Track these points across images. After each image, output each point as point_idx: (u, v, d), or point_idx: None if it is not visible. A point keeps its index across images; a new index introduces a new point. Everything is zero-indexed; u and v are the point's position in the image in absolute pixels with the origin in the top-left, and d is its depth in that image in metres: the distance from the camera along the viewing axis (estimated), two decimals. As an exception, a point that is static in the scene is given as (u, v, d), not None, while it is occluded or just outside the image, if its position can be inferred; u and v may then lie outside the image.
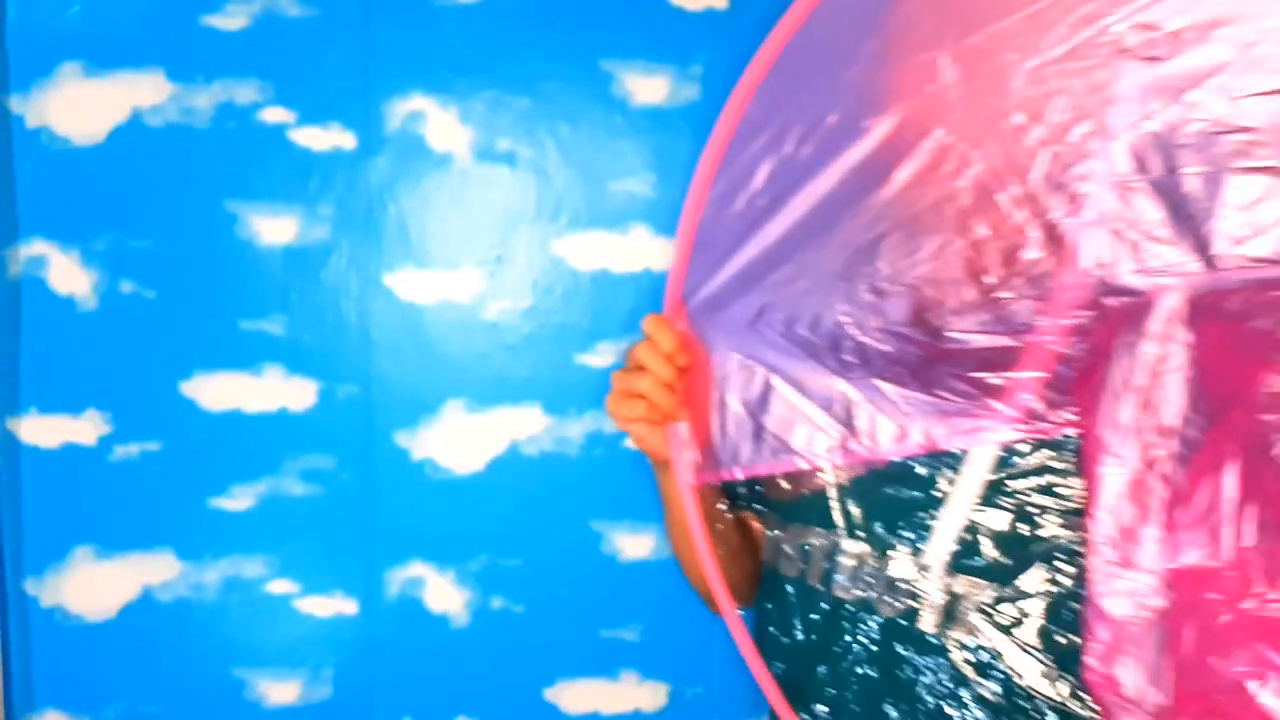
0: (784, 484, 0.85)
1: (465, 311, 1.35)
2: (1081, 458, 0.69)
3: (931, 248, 0.72)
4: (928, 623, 0.76)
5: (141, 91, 1.29)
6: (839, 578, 0.81)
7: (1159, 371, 0.63)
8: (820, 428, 0.79)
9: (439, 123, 1.32)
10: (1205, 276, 0.65)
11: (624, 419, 0.91)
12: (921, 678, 0.76)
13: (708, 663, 1.41)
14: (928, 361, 0.75)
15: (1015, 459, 0.73)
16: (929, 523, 0.77)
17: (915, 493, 0.77)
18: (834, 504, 0.80)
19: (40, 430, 1.32)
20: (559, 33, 1.31)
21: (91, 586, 1.34)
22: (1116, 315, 0.67)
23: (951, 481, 0.76)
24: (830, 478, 0.81)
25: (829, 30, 0.71)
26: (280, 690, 1.37)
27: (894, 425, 0.76)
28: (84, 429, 1.32)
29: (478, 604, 1.38)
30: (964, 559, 0.75)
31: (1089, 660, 0.65)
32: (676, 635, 1.40)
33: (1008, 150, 0.69)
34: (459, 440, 1.36)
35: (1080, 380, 0.69)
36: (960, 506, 0.75)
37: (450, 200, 1.33)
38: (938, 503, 0.77)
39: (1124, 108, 0.65)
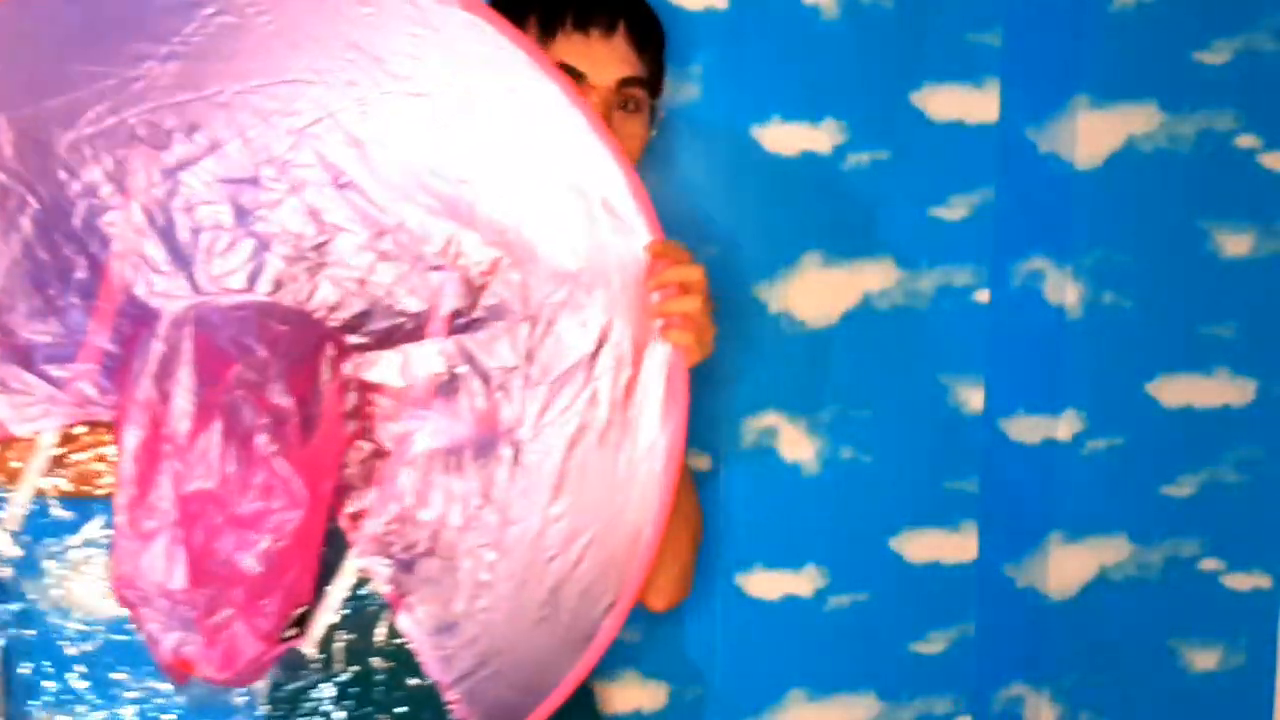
0: None
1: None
2: (116, 425, 0.91)
3: (3, 264, 0.91)
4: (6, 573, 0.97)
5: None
6: None
7: (166, 361, 0.88)
8: None
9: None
10: (195, 298, 0.92)
11: None
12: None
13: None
14: (3, 357, 0.92)
15: (78, 436, 0.95)
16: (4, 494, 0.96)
17: None
18: None
19: (41, 430, 1.33)
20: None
21: (94, 586, 1.34)
22: (141, 321, 0.91)
23: (22, 460, 0.95)
24: None
25: None
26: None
27: None
28: (84, 429, 1.33)
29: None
30: (38, 519, 0.96)
31: (113, 567, 0.88)
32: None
33: (56, 197, 0.90)
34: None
35: (120, 369, 0.91)
36: (31, 477, 0.95)
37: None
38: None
39: (137, 178, 0.90)
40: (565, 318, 0.95)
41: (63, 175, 0.90)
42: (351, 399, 0.95)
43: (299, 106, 0.90)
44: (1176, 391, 1.46)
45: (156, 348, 0.89)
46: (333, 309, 0.94)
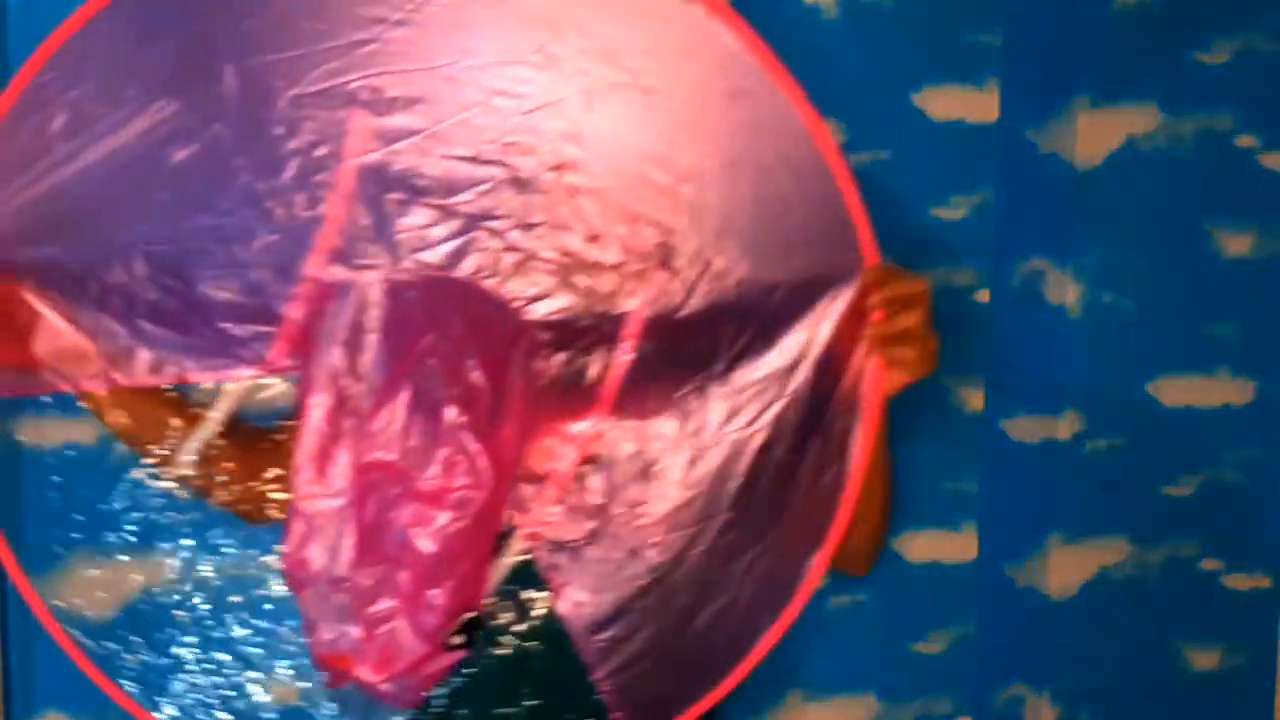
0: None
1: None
2: (297, 395, 0.89)
3: (207, 218, 0.90)
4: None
5: (142, 91, 1.30)
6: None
7: (355, 330, 0.87)
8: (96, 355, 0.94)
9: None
10: (392, 269, 0.90)
11: None
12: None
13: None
14: (186, 310, 0.91)
15: (260, 393, 0.96)
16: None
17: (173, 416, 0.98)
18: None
19: (40, 430, 1.32)
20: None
21: (92, 586, 1.34)
22: (330, 289, 0.90)
23: (205, 406, 0.97)
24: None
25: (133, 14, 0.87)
26: (278, 692, 1.37)
27: (150, 357, 0.93)
28: (84, 429, 1.32)
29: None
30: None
31: (285, 549, 0.86)
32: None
33: (268, 154, 0.89)
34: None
35: (303, 334, 0.90)
36: (211, 426, 0.97)
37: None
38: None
39: (353, 142, 0.88)
40: (769, 327, 0.93)
41: (279, 131, 0.88)
42: (540, 392, 0.93)
43: (525, 90, 0.88)
44: (1176, 391, 1.46)
45: (347, 315, 0.88)
46: (532, 300, 0.92)
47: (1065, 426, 1.45)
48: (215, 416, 0.97)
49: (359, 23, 0.86)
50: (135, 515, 1.34)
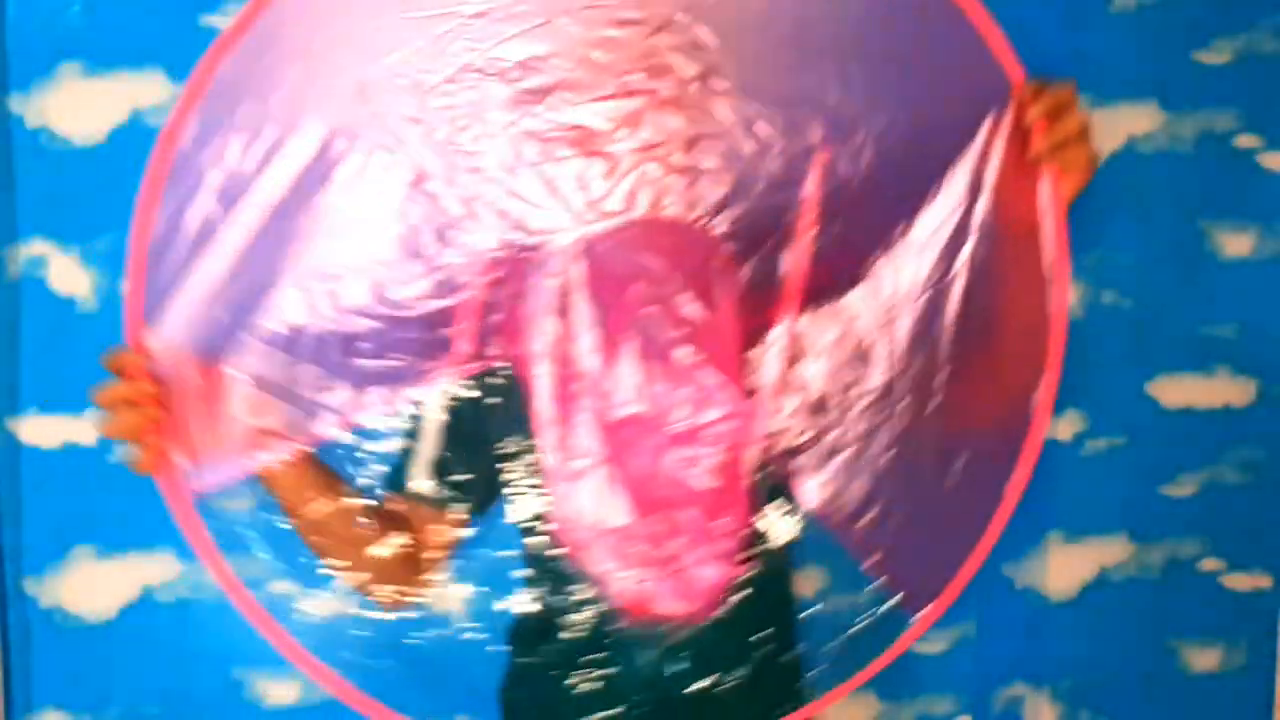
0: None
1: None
2: (516, 374, 0.89)
3: (384, 237, 0.89)
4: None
5: (141, 91, 1.29)
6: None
7: (563, 295, 0.87)
8: (307, 411, 0.92)
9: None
10: (577, 228, 0.89)
11: (120, 436, 0.91)
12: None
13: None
14: (380, 331, 0.90)
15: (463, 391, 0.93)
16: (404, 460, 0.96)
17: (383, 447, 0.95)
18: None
19: (40, 430, 1.32)
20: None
21: (91, 586, 1.35)
22: (521, 264, 0.89)
23: (416, 419, 0.94)
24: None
25: (253, 60, 0.86)
26: (280, 690, 1.37)
27: (352, 391, 0.91)
28: (84, 429, 1.32)
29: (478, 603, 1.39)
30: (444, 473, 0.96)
31: (556, 519, 0.88)
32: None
33: (419, 149, 0.87)
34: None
35: (506, 319, 0.89)
36: (430, 438, 0.95)
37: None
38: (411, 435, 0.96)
39: (494, 117, 0.87)
40: (938, 173, 0.94)
41: (426, 123, 0.87)
42: (746, 301, 0.92)
43: (639, 15, 0.88)
44: (1176, 391, 1.46)
45: (549, 284, 0.88)
46: (713, 214, 0.91)
47: (1065, 426, 1.45)
48: (431, 426, 0.96)
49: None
50: (135, 515, 1.35)
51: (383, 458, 0.96)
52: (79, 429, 1.32)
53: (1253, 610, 1.51)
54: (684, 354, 0.86)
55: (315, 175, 0.87)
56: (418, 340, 0.90)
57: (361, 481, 0.96)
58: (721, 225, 0.91)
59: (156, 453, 0.89)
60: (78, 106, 1.29)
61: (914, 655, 1.49)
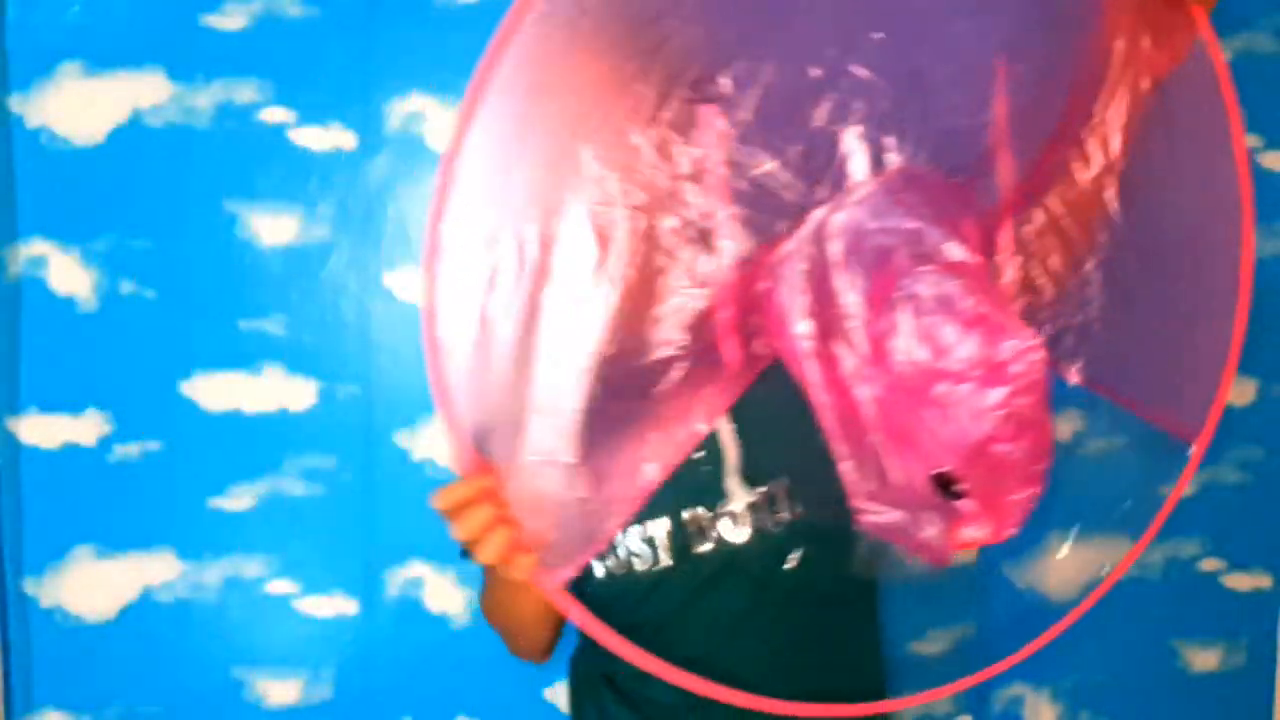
0: None
1: (465, 311, 1.35)
2: (790, 367, 0.88)
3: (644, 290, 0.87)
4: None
5: (141, 91, 1.29)
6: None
7: (819, 277, 0.86)
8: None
9: (439, 122, 1.32)
10: (824, 207, 0.88)
11: (491, 559, 0.87)
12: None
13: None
14: (645, 381, 0.88)
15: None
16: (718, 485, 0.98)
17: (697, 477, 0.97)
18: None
19: (40, 430, 1.33)
20: (559, 33, 1.30)
21: (91, 586, 1.35)
22: (767, 260, 0.88)
23: (707, 450, 0.97)
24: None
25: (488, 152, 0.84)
26: (280, 690, 1.37)
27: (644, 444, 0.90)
28: (84, 429, 1.32)
29: (478, 604, 1.38)
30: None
31: (852, 491, 0.87)
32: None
33: (656, 192, 0.85)
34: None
35: (764, 317, 0.88)
36: (731, 454, 0.98)
37: (450, 200, 1.34)
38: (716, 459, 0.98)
39: (713, 130, 0.85)
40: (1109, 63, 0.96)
41: (652, 161, 0.86)
42: (986, 229, 0.93)
43: None
44: (1176, 391, 1.46)
45: (800, 270, 0.87)
46: (943, 151, 0.91)
47: (1064, 425, 1.45)
48: (727, 437, 0.99)
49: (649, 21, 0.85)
50: (135, 515, 1.35)
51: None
52: (79, 429, 1.32)
53: (1253, 610, 1.51)
54: (969, 304, 0.84)
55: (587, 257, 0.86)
56: (686, 376, 0.89)
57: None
58: (939, 163, 0.91)
59: (518, 548, 0.85)
60: (78, 106, 1.29)
61: (913, 656, 1.49)
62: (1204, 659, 1.51)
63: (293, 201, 1.31)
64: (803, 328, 0.86)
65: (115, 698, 1.36)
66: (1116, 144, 0.97)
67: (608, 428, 0.87)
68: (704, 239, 0.88)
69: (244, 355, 1.33)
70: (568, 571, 0.87)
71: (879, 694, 1.11)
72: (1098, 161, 0.97)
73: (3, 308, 1.30)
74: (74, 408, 1.32)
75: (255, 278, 1.32)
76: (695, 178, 0.87)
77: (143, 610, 1.35)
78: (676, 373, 0.88)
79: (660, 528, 1.03)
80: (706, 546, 1.01)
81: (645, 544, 1.04)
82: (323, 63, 1.31)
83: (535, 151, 0.86)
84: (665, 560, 1.03)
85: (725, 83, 0.86)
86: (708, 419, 0.91)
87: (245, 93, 1.30)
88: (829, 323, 0.86)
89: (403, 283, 1.34)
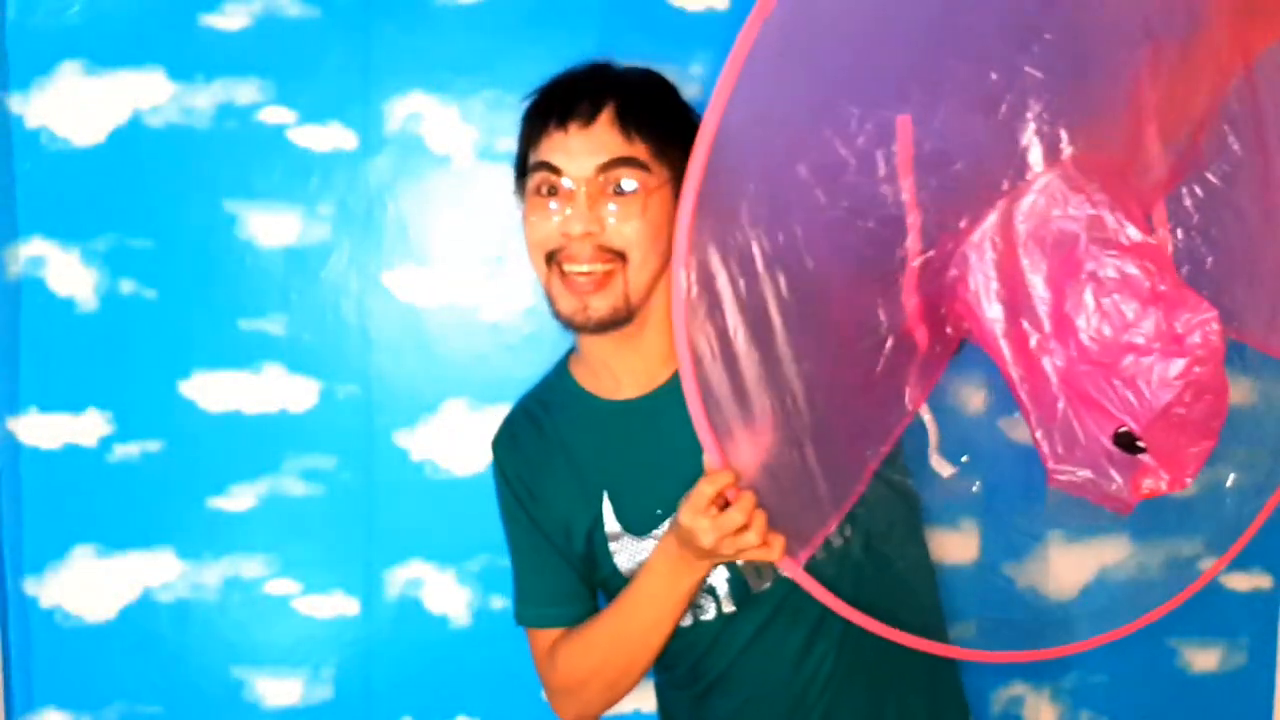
0: None
1: (465, 312, 1.35)
2: (983, 346, 0.97)
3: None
4: None
5: (141, 91, 1.29)
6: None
7: (1008, 261, 0.93)
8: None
9: (439, 122, 1.32)
10: (1000, 201, 0.94)
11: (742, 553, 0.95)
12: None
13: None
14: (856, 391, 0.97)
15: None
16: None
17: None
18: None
19: (40, 430, 1.33)
20: (560, 32, 1.30)
21: (92, 586, 1.35)
22: (950, 245, 0.95)
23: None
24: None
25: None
26: (280, 690, 1.37)
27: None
28: (84, 429, 1.32)
29: (478, 604, 1.39)
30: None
31: (1049, 458, 0.99)
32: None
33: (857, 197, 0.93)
34: (459, 440, 1.36)
35: (951, 302, 0.96)
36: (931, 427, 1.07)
37: (450, 200, 1.34)
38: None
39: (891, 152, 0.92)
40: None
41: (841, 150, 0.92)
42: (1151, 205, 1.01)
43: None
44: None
45: (990, 254, 0.94)
46: (1103, 137, 0.95)
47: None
48: (927, 416, 1.05)
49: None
50: (135, 515, 1.35)
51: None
52: (79, 429, 1.32)
53: (1253, 610, 1.51)
54: (1145, 280, 0.90)
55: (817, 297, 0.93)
56: (893, 372, 0.97)
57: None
58: (1101, 149, 0.95)
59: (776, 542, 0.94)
60: (78, 106, 1.29)
61: (914, 655, 1.49)
62: (1204, 659, 1.51)
63: (293, 201, 1.31)
64: (995, 311, 0.94)
65: (115, 698, 1.36)
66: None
67: (833, 421, 0.96)
68: (897, 235, 0.94)
69: (244, 355, 1.33)
70: (807, 553, 0.97)
71: (963, 712, 1.19)
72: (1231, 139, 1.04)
73: (3, 308, 1.31)
74: (74, 408, 1.32)
75: (255, 278, 1.32)
76: (889, 180, 0.93)
77: (143, 610, 1.35)
78: (883, 362, 0.96)
79: (719, 576, 1.07)
80: (765, 586, 1.05)
81: (707, 594, 1.08)
82: (323, 63, 1.31)
83: (758, 172, 0.92)
84: (728, 607, 1.08)
85: (916, 91, 0.92)
86: (914, 403, 1.00)
87: (245, 93, 1.30)
88: (1017, 304, 0.94)
89: (403, 282, 1.34)
